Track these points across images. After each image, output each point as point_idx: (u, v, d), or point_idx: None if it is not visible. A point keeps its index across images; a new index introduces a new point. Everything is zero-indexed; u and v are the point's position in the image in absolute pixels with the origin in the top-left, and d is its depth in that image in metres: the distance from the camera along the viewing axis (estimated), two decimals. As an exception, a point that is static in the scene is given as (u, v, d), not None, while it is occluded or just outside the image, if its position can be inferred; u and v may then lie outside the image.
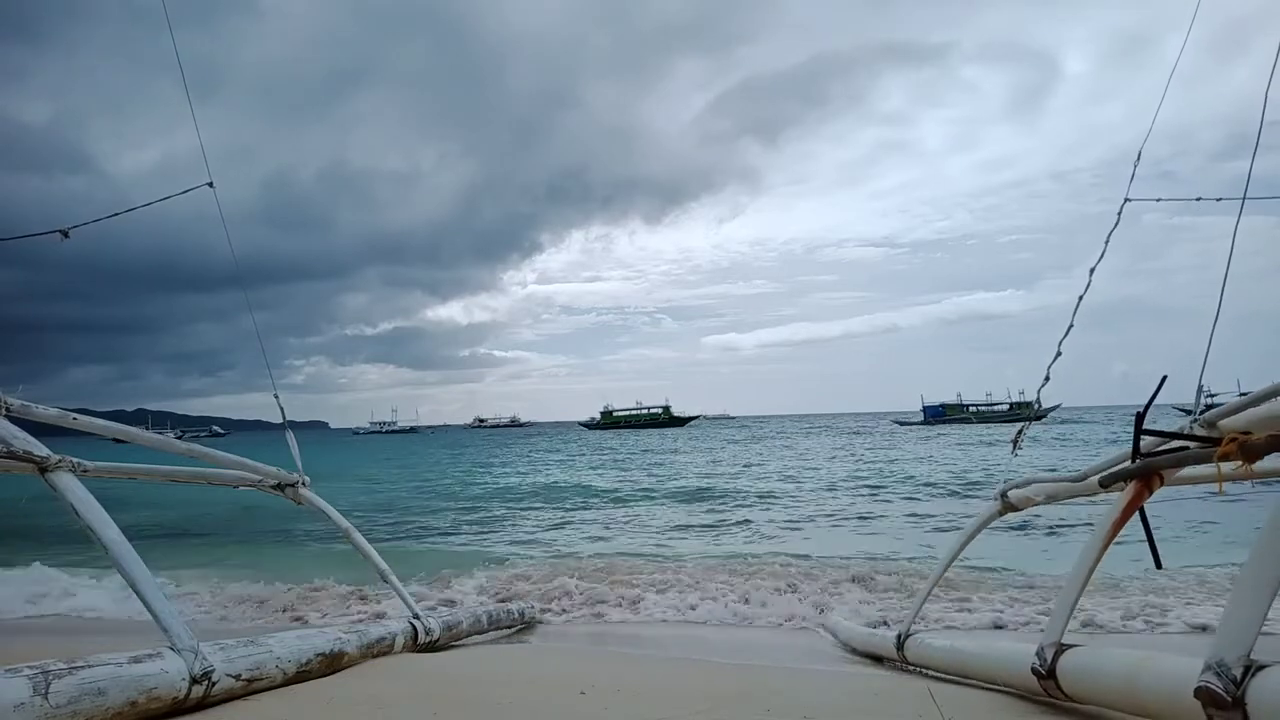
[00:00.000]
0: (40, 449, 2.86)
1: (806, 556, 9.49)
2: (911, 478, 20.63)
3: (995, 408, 75.00)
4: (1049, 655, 2.67)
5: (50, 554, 9.18)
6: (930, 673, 3.88)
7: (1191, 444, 2.23)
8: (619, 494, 19.19)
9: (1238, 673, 1.70)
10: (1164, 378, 2.45)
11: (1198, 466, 2.21)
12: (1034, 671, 2.73)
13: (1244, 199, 2.96)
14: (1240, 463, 1.85)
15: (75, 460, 2.94)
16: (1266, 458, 1.87)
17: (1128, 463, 2.53)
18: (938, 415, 74.64)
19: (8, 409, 2.93)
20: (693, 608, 6.74)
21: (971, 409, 76.06)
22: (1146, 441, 2.44)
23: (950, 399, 79.41)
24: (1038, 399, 3.85)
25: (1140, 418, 2.39)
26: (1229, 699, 1.69)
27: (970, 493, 17.06)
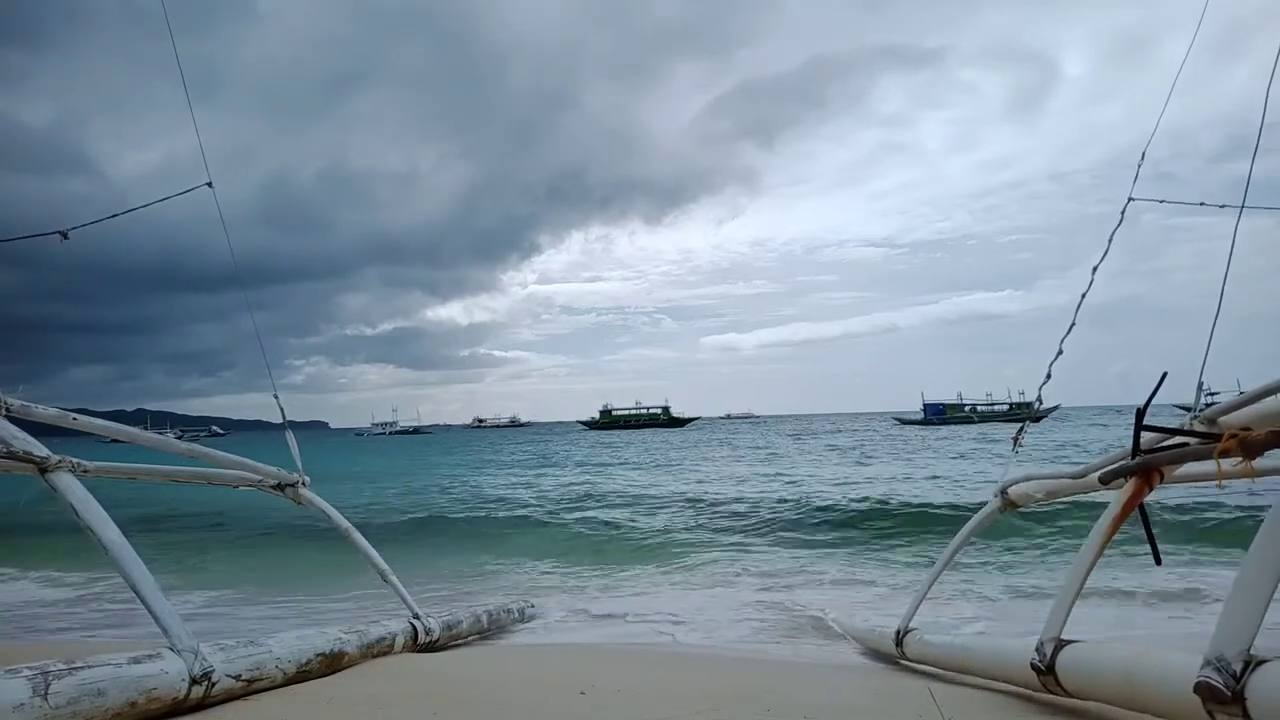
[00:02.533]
0: (40, 449, 2.86)
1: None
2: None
3: (995, 407, 75.07)
4: (1048, 650, 2.67)
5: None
6: (930, 670, 3.88)
7: (1191, 440, 2.23)
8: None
9: (1238, 668, 1.70)
10: (1164, 374, 2.45)
11: (1198, 463, 2.21)
12: (1033, 667, 2.72)
13: (1242, 207, 2.96)
14: (1240, 459, 1.85)
15: (75, 460, 2.94)
16: (1266, 456, 1.88)
17: (1128, 459, 2.53)
18: (938, 414, 74.69)
19: (8, 409, 2.94)
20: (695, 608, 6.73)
21: (971, 409, 76.15)
22: (1146, 438, 2.44)
23: (949, 398, 79.47)
24: (1039, 396, 3.86)
25: (1140, 414, 2.39)
26: (1229, 694, 1.69)
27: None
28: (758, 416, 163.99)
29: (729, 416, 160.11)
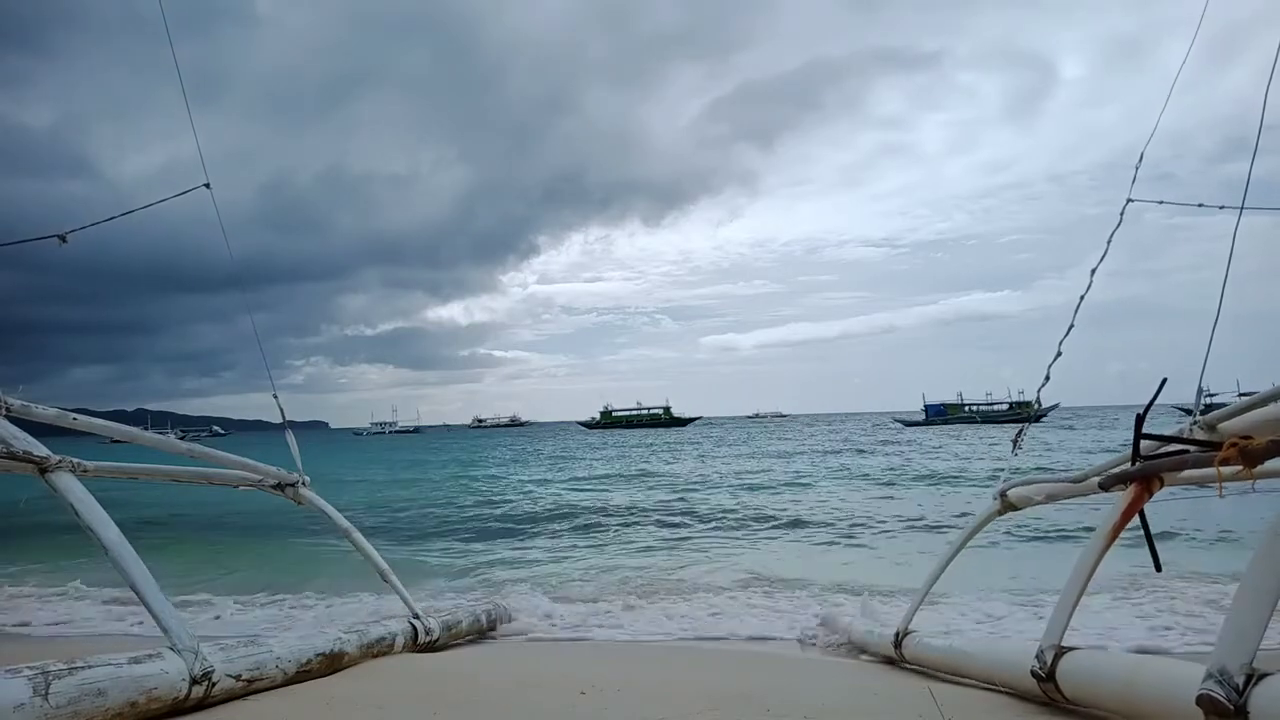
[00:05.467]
0: (40, 449, 2.87)
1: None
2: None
3: (995, 407, 75.07)
4: (1049, 658, 2.66)
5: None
6: (930, 671, 3.88)
7: (1192, 447, 2.23)
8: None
9: (1240, 681, 1.68)
10: (1164, 380, 2.44)
11: (1198, 469, 2.20)
12: (1033, 674, 2.72)
13: (1242, 207, 2.96)
14: (1241, 469, 1.84)
15: (75, 460, 2.94)
16: (1267, 462, 1.87)
17: (1128, 465, 2.53)
18: (940, 414, 74.73)
19: (8, 409, 2.94)
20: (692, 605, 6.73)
21: (972, 409, 76.13)
22: (1146, 444, 2.43)
23: (949, 398, 79.49)
24: (1038, 398, 3.86)
25: (1140, 420, 2.39)
26: (1231, 707, 1.67)
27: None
28: (785, 415, 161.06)
29: (757, 415, 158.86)
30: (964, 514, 11.92)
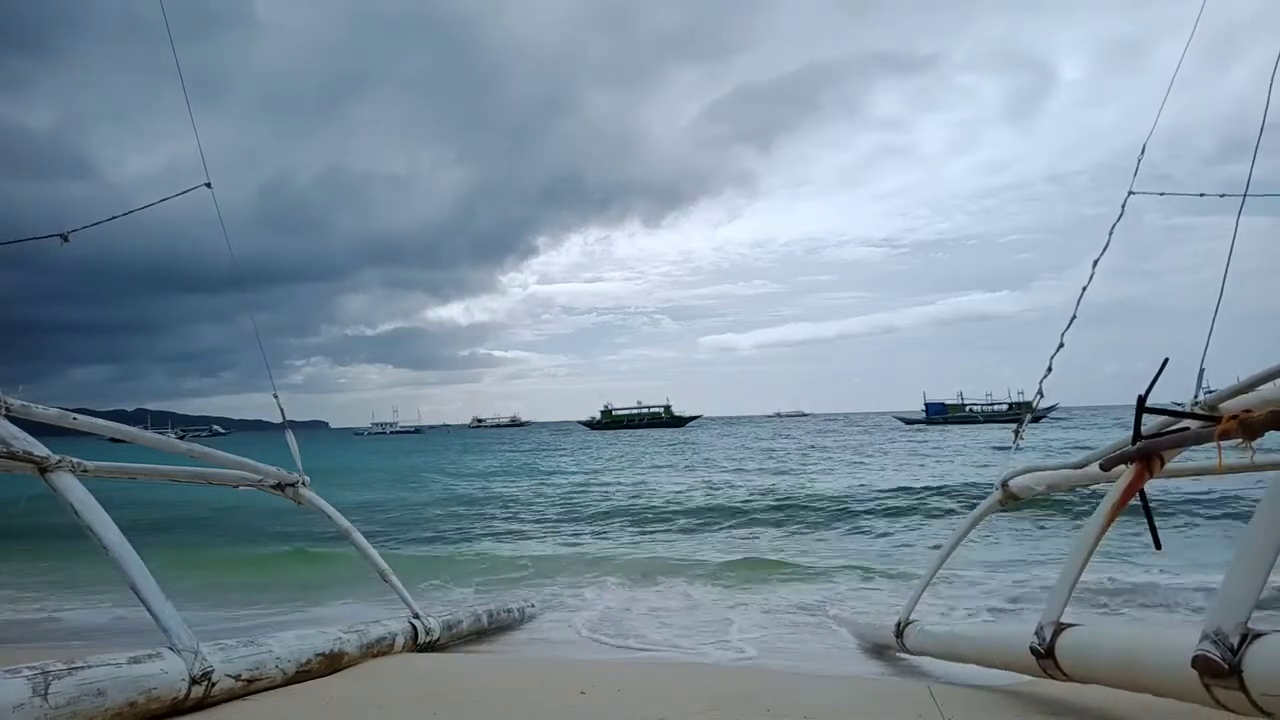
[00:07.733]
0: (40, 449, 2.87)
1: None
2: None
3: (995, 407, 75.10)
4: (1048, 634, 2.65)
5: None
6: (931, 670, 3.89)
7: (1192, 424, 2.23)
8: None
9: (1234, 641, 1.70)
10: (1165, 360, 2.43)
11: (1198, 448, 2.21)
12: (1032, 650, 2.70)
13: (1245, 195, 2.97)
14: (1241, 442, 1.85)
15: (75, 460, 2.95)
16: (1266, 452, 1.88)
17: (1129, 446, 2.53)
18: (940, 413, 74.77)
19: (8, 409, 2.94)
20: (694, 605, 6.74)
21: (972, 408, 76.17)
22: (1148, 425, 2.44)
23: (948, 398, 79.47)
24: (1039, 390, 3.86)
25: (1141, 400, 2.39)
26: (1226, 667, 1.69)
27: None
28: (805, 414, 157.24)
29: (779, 415, 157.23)
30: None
